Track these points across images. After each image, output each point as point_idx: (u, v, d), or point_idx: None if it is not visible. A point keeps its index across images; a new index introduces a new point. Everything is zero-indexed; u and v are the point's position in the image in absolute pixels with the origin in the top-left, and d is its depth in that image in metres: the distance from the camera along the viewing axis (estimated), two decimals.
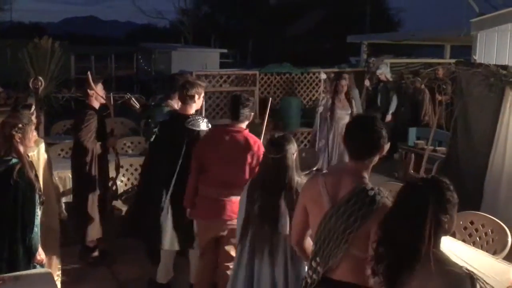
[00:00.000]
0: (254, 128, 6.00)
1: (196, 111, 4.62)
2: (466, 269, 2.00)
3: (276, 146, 3.34)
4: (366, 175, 2.55)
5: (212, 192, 4.01)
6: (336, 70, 11.47)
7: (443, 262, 1.99)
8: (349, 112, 7.25)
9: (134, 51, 22.24)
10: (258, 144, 3.93)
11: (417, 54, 16.61)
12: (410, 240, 2.00)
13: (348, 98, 7.39)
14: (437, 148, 7.67)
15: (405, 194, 2.10)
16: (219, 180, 3.96)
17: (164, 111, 4.76)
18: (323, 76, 8.15)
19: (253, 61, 24.17)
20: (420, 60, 13.26)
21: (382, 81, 10.08)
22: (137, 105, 5.50)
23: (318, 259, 2.53)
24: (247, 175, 3.84)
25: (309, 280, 2.58)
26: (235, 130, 4.00)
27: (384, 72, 10.23)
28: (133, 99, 5.42)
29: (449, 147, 6.65)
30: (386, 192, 2.45)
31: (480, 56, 7.41)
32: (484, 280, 2.02)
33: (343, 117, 7.15)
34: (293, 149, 3.34)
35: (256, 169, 3.72)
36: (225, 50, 21.00)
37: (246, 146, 3.92)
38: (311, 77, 11.43)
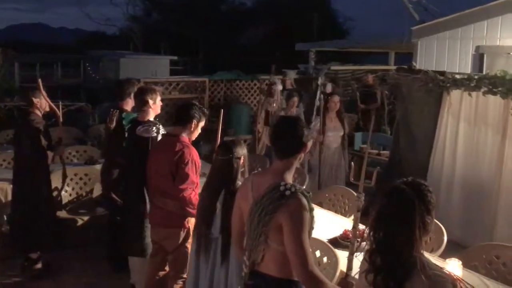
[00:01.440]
0: (207, 135, 6.02)
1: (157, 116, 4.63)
2: (447, 271, 2.09)
3: (223, 149, 3.42)
4: (287, 173, 2.69)
5: (156, 200, 4.03)
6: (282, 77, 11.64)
7: (427, 266, 2.06)
8: (342, 133, 6.57)
9: (81, 59, 21.77)
10: (184, 151, 3.83)
11: (364, 62, 17.05)
12: (402, 244, 2.05)
13: (340, 118, 6.64)
14: (382, 152, 7.90)
15: (390, 198, 2.14)
16: (156, 188, 3.98)
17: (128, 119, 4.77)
18: (279, 87, 8.16)
19: (204, 68, 24.12)
20: (366, 67, 13.62)
21: (287, 88, 9.77)
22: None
23: (247, 253, 2.64)
24: (179, 183, 3.80)
25: (243, 274, 2.70)
26: (171, 137, 4.01)
27: (290, 79, 9.93)
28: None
29: (392, 151, 6.88)
30: (301, 187, 2.55)
31: (421, 62, 7.70)
32: (466, 282, 2.11)
33: (336, 139, 6.58)
34: (240, 153, 3.41)
35: (186, 176, 3.77)
36: (175, 57, 20.87)
37: (172, 153, 3.86)
38: (261, 84, 11.54)
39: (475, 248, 3.93)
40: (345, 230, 3.99)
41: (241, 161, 3.43)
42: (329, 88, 8.48)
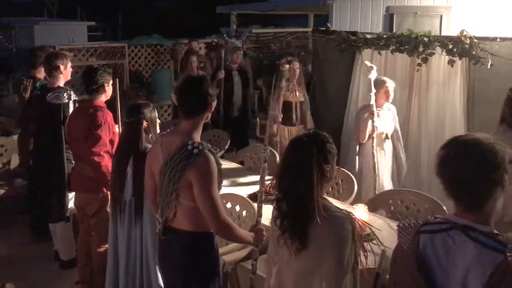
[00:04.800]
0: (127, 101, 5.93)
1: (68, 83, 4.56)
2: (346, 211, 2.29)
3: (130, 111, 3.44)
4: (195, 132, 2.81)
5: (75, 166, 4.06)
6: (208, 40, 11.61)
7: (329, 209, 2.25)
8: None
9: None
10: (97, 114, 3.86)
11: (285, 24, 17.23)
12: (303, 190, 2.22)
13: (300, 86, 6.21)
14: None
15: (292, 149, 2.33)
16: (75, 154, 4.00)
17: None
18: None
19: (124, 34, 23.41)
20: (287, 29, 13.80)
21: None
22: None
23: (159, 211, 2.77)
24: (91, 145, 3.84)
25: (157, 231, 2.84)
26: (86, 102, 4.01)
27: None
28: None
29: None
30: (208, 145, 2.69)
31: (336, 24, 7.96)
32: (359, 218, 2.33)
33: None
34: (147, 115, 3.45)
35: (99, 138, 3.82)
36: (93, 23, 20.06)
37: (86, 117, 3.89)
38: (183, 48, 11.42)
39: (381, 194, 4.26)
40: None
41: (145, 124, 3.44)
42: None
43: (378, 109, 4.95)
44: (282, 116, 5.93)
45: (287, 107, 6.02)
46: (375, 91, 4.93)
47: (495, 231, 1.76)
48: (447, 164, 1.79)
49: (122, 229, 3.51)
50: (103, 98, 3.98)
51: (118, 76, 7.14)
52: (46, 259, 4.73)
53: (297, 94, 6.10)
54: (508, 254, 1.64)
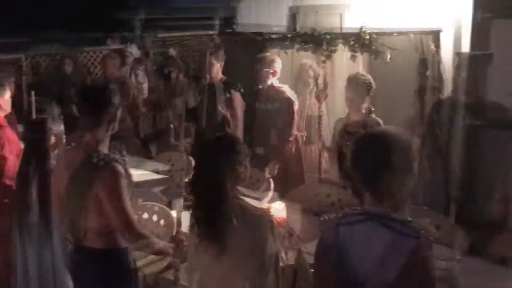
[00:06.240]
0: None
1: None
2: (261, 209, 2.28)
3: (33, 126, 3.25)
4: (101, 145, 2.68)
5: None
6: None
7: (246, 209, 2.25)
8: None
9: None
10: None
11: (190, 28, 17.04)
12: (216, 194, 2.20)
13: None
14: None
15: (201, 154, 2.31)
16: None
17: None
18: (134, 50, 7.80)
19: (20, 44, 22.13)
20: (193, 32, 13.66)
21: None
22: None
23: (70, 230, 2.64)
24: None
25: (68, 251, 2.68)
26: None
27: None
28: None
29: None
30: (115, 155, 2.61)
31: (242, 25, 8.01)
32: (277, 215, 2.33)
33: None
34: (54, 130, 3.28)
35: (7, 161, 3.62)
36: None
37: None
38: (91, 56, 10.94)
39: (297, 190, 4.35)
40: None
41: (53, 140, 3.29)
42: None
43: None
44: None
45: None
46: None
47: (409, 218, 1.84)
48: (355, 156, 1.86)
49: (32, 251, 3.30)
50: (0, 113, 3.70)
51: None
52: None
53: None
54: (421, 239, 1.74)
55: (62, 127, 3.36)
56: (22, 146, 3.75)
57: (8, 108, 3.78)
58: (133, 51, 8.11)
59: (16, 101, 3.90)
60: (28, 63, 10.13)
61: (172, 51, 9.03)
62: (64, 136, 3.41)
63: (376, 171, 1.80)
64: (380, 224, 1.81)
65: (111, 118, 2.69)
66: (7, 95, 3.75)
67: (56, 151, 3.29)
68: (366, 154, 1.83)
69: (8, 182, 3.58)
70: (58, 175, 2.75)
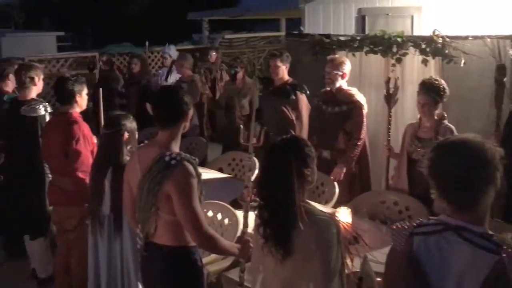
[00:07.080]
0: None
1: (39, 95, 4.44)
2: (328, 214, 2.26)
3: (109, 122, 3.36)
4: (173, 143, 2.73)
5: (53, 179, 3.96)
6: (180, 48, 11.49)
7: (312, 213, 2.21)
8: None
9: None
10: (73, 127, 3.75)
11: (256, 29, 17.23)
12: (284, 197, 2.18)
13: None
14: None
15: (269, 156, 2.30)
16: (54, 170, 3.90)
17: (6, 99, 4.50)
18: (172, 52, 7.97)
19: (94, 43, 23.12)
20: (259, 34, 13.79)
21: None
22: None
23: (140, 226, 2.69)
24: (72, 161, 3.73)
25: (138, 247, 2.78)
26: (60, 115, 3.91)
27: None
28: None
29: None
30: (187, 155, 2.62)
31: (309, 27, 7.98)
32: (343, 221, 2.30)
33: None
34: (128, 127, 3.37)
35: (79, 153, 3.70)
36: (62, 33, 19.76)
37: (61, 131, 3.78)
38: (155, 56, 11.31)
39: (363, 196, 4.26)
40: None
41: (126, 135, 3.36)
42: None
43: None
44: None
45: None
46: None
47: (489, 232, 1.74)
48: (436, 165, 1.78)
49: (103, 243, 3.42)
50: (77, 109, 3.86)
51: (92, 86, 6.99)
52: (22, 278, 4.58)
53: None
54: (504, 254, 1.62)
55: (134, 124, 3.45)
56: (95, 141, 3.90)
57: (84, 104, 3.93)
58: (172, 53, 8.21)
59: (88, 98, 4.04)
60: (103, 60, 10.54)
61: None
62: (136, 132, 3.50)
63: (459, 180, 1.72)
64: (458, 237, 1.72)
65: (184, 118, 2.73)
66: (84, 92, 3.90)
67: (129, 147, 3.39)
68: (449, 162, 1.74)
69: (81, 175, 3.70)
70: (130, 171, 2.83)
